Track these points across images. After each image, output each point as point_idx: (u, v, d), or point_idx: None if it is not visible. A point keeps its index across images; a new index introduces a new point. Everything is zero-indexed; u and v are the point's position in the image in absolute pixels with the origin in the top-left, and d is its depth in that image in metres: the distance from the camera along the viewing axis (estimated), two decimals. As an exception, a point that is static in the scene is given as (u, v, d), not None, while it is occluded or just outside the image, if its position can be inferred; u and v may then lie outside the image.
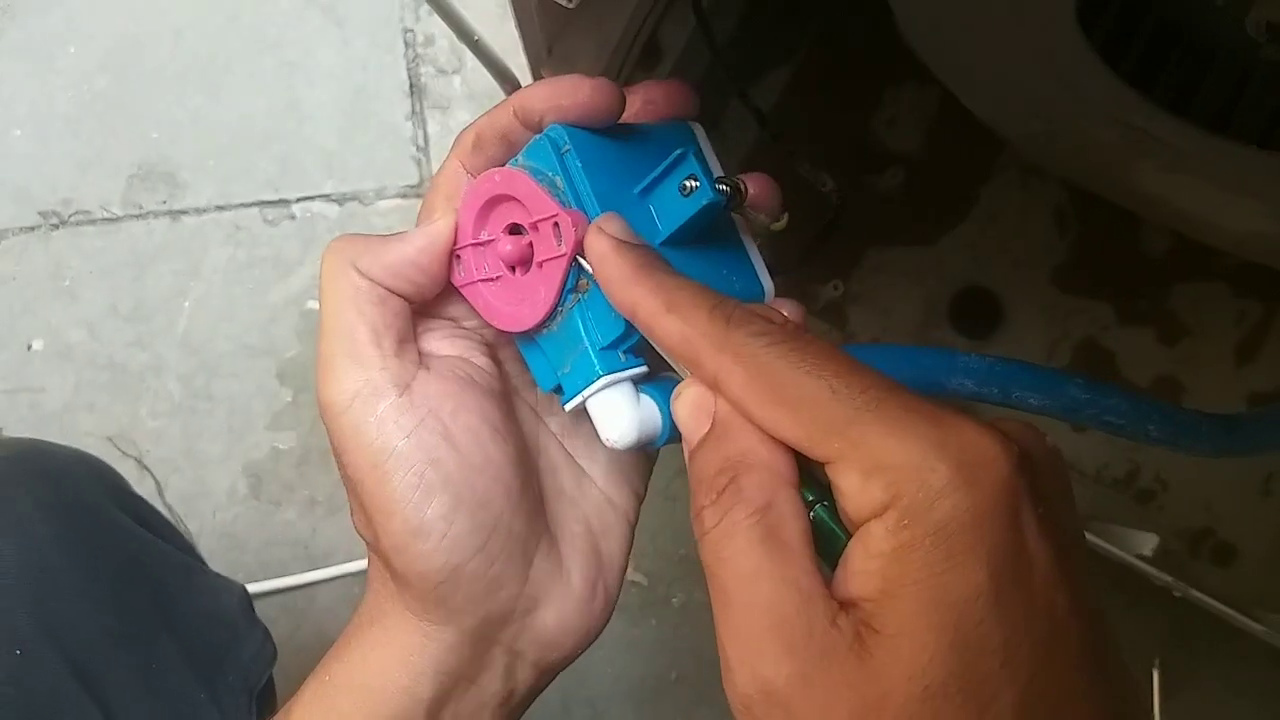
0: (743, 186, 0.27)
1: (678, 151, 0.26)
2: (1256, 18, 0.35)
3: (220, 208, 0.86)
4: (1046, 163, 0.54)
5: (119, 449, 0.85)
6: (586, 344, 0.26)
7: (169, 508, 0.85)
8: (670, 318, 0.22)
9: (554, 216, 0.25)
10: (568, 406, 0.27)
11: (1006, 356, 0.29)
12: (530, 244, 0.27)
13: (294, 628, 0.83)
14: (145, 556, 0.46)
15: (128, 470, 0.85)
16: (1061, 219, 0.65)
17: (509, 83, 0.37)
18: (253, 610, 0.50)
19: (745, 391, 0.21)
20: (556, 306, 0.26)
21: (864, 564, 0.19)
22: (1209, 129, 0.37)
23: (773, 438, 0.21)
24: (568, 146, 0.26)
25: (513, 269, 0.27)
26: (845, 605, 0.19)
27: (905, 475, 0.19)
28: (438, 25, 0.86)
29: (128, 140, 0.86)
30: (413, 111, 0.86)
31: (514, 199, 0.27)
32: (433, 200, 0.30)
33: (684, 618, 0.84)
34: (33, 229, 0.86)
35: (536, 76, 0.39)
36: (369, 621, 0.28)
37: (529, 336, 0.28)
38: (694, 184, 0.26)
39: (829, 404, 0.20)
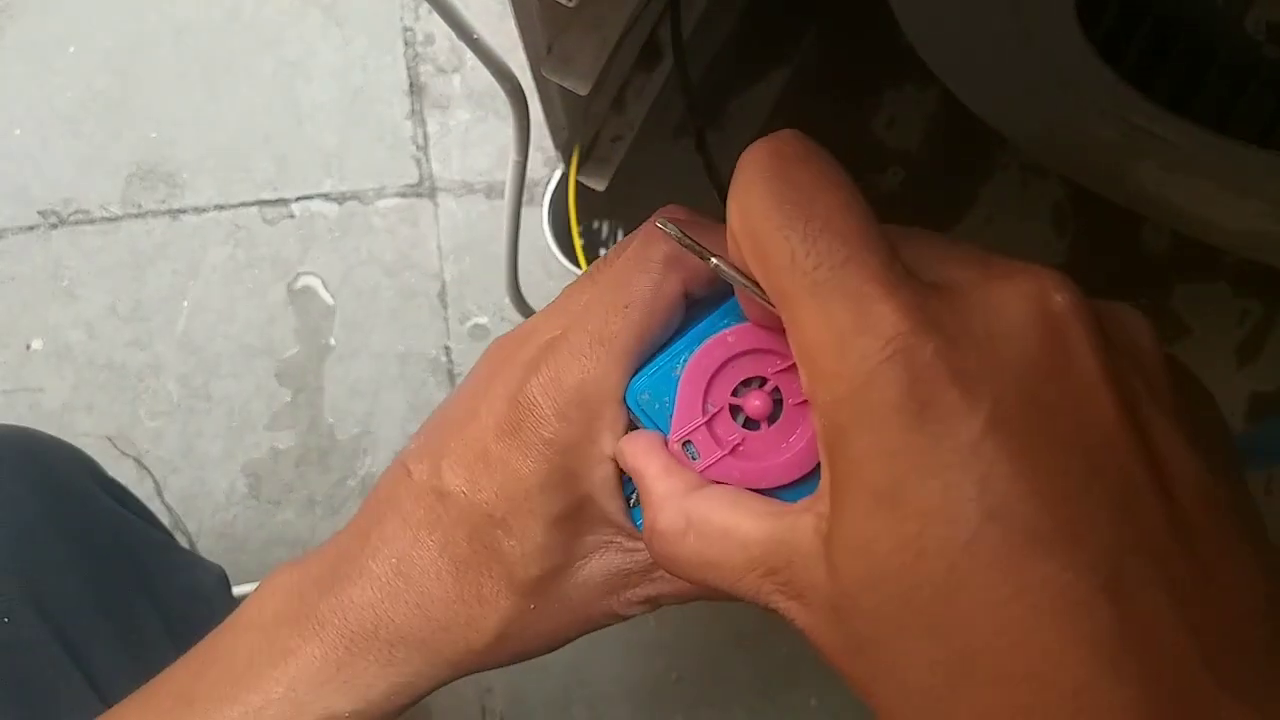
0: None
1: None
2: (1256, 17, 0.35)
3: (219, 207, 0.86)
4: (1047, 161, 0.54)
5: (118, 449, 0.85)
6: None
7: (168, 508, 0.85)
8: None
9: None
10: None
11: None
12: (772, 391, 0.25)
13: (293, 628, 0.83)
14: (127, 535, 0.47)
15: (126, 470, 0.85)
16: (1061, 218, 0.65)
17: (508, 81, 0.37)
18: (230, 591, 0.51)
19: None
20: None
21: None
22: (1209, 128, 0.37)
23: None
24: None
25: (755, 424, 0.25)
26: None
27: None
28: (437, 24, 0.86)
29: (127, 140, 0.86)
30: (412, 110, 0.86)
31: (747, 353, 0.24)
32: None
33: (684, 617, 0.84)
34: (31, 228, 0.86)
35: (536, 76, 0.39)
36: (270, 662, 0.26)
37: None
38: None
39: (785, 270, 0.19)
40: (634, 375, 0.25)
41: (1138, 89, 0.36)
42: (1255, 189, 0.40)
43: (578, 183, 0.48)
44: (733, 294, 0.24)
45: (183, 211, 0.86)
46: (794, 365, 0.21)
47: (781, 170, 0.20)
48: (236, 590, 0.82)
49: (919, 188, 0.64)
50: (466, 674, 0.28)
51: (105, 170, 0.86)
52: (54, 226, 0.86)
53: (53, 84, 0.87)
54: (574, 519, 0.26)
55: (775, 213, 0.19)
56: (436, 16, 0.31)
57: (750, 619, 0.85)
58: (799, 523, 0.20)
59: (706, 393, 0.25)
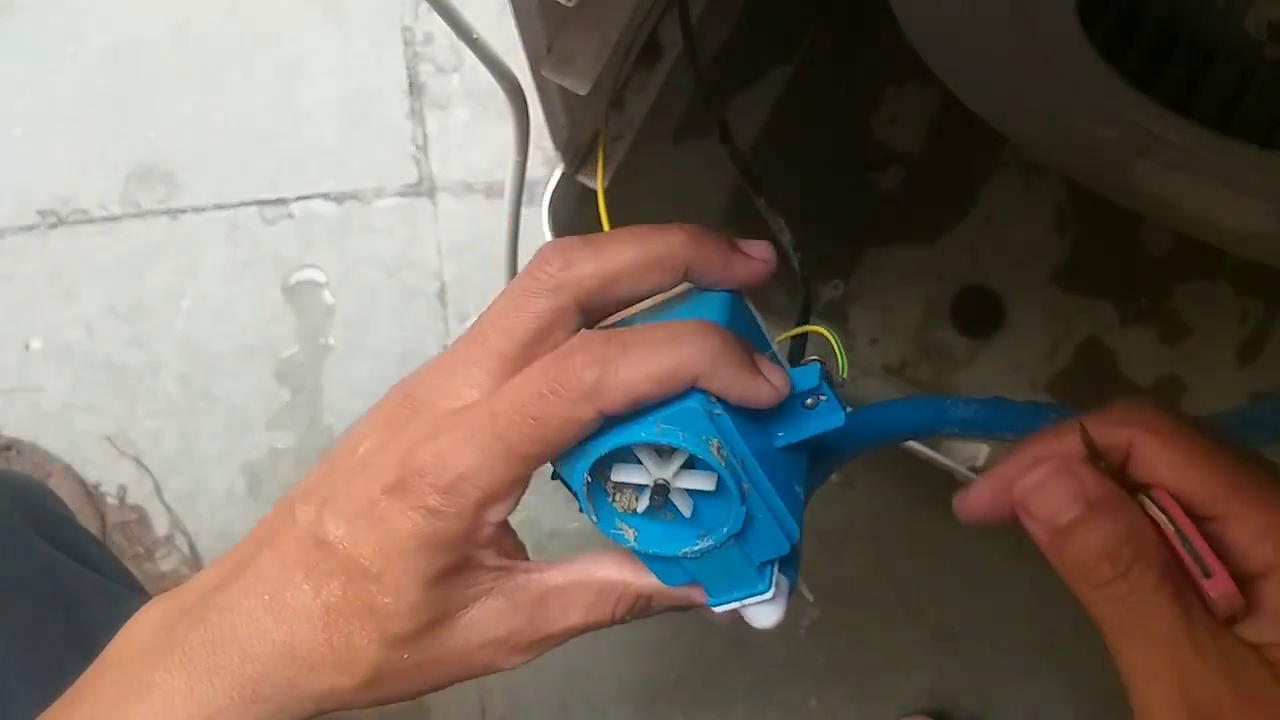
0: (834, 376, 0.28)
1: (812, 368, 0.26)
2: (1257, 16, 0.35)
3: (219, 206, 0.86)
4: (1047, 161, 0.54)
5: (117, 448, 0.85)
6: (751, 567, 0.27)
7: (167, 507, 0.85)
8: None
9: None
10: (720, 610, 0.28)
11: (994, 397, 0.30)
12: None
13: (293, 628, 0.83)
14: (65, 587, 0.45)
15: (126, 469, 0.85)
16: (1062, 218, 0.65)
17: (508, 81, 0.37)
18: None
19: (1159, 456, 0.24)
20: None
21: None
22: (1210, 128, 0.37)
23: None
24: (718, 409, 0.24)
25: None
26: (1258, 646, 0.23)
27: None
28: (437, 23, 0.86)
29: (126, 139, 0.86)
30: (412, 110, 0.86)
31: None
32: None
33: (684, 618, 0.84)
34: (31, 228, 0.86)
35: (536, 75, 0.39)
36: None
37: (677, 558, 0.27)
38: (821, 399, 0.26)
39: (1226, 469, 0.23)
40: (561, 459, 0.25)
41: (1139, 89, 0.36)
42: (1257, 189, 0.40)
43: (577, 183, 0.48)
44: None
45: (182, 211, 0.86)
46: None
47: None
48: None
49: (919, 187, 0.64)
50: (332, 711, 0.27)
51: (104, 169, 0.86)
52: (53, 226, 0.86)
53: (52, 83, 0.87)
54: (452, 576, 0.26)
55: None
56: (436, 16, 0.31)
57: (750, 619, 0.85)
58: None
59: None
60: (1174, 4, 0.38)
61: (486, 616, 0.26)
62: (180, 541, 0.85)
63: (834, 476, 0.87)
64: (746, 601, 0.28)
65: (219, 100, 0.86)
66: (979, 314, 0.64)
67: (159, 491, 0.85)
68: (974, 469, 0.56)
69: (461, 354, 0.26)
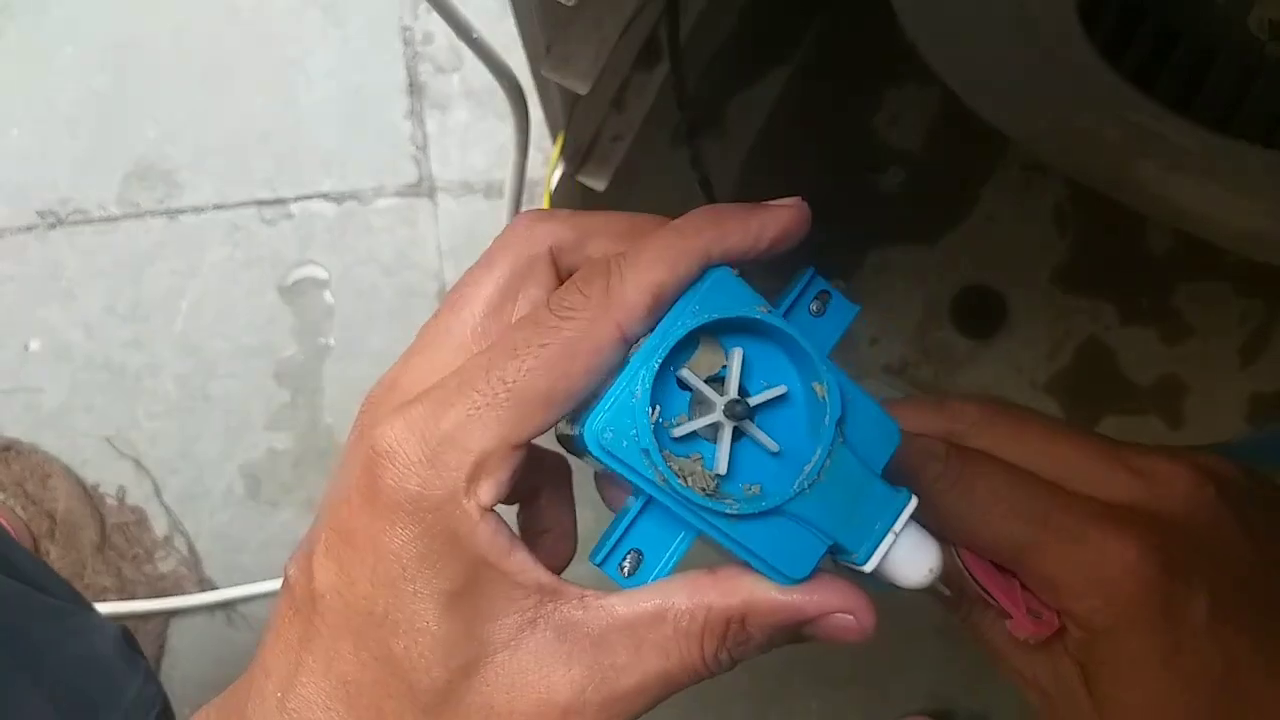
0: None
1: (805, 275, 0.23)
2: (1258, 16, 0.35)
3: (218, 207, 0.86)
4: (1048, 160, 0.53)
5: (116, 449, 0.85)
6: (875, 478, 0.22)
7: (166, 509, 0.85)
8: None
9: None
10: (873, 561, 0.22)
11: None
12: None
13: (292, 629, 0.83)
14: (10, 608, 0.44)
15: (125, 470, 0.85)
16: (1062, 218, 0.65)
17: (508, 81, 0.37)
18: (132, 650, 0.47)
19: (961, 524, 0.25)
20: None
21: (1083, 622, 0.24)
22: (1211, 127, 0.37)
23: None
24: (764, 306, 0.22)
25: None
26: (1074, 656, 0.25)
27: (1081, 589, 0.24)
28: (436, 23, 0.86)
29: (125, 139, 0.86)
30: (411, 110, 0.86)
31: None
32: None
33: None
34: (30, 228, 0.86)
35: (536, 75, 0.39)
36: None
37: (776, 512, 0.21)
38: (828, 298, 0.23)
39: (1039, 499, 0.25)
40: (577, 415, 0.21)
41: (1140, 88, 0.36)
42: (1258, 188, 0.40)
43: (577, 182, 0.48)
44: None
45: (181, 211, 0.86)
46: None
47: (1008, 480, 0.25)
48: (232, 592, 0.82)
49: (920, 187, 0.64)
50: None
51: (103, 170, 0.86)
52: (52, 226, 0.86)
53: (51, 84, 0.87)
54: (472, 596, 0.20)
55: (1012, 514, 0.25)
56: (436, 16, 0.31)
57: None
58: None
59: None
60: (1175, 3, 0.38)
61: (534, 659, 0.20)
62: (179, 542, 0.85)
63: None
64: (898, 528, 0.22)
65: (218, 101, 0.86)
66: (979, 314, 0.64)
67: (158, 492, 0.85)
68: None
69: (435, 326, 0.23)
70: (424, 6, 0.86)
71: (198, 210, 0.86)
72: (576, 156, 0.48)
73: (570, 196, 0.51)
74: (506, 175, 0.43)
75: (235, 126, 0.86)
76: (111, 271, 0.85)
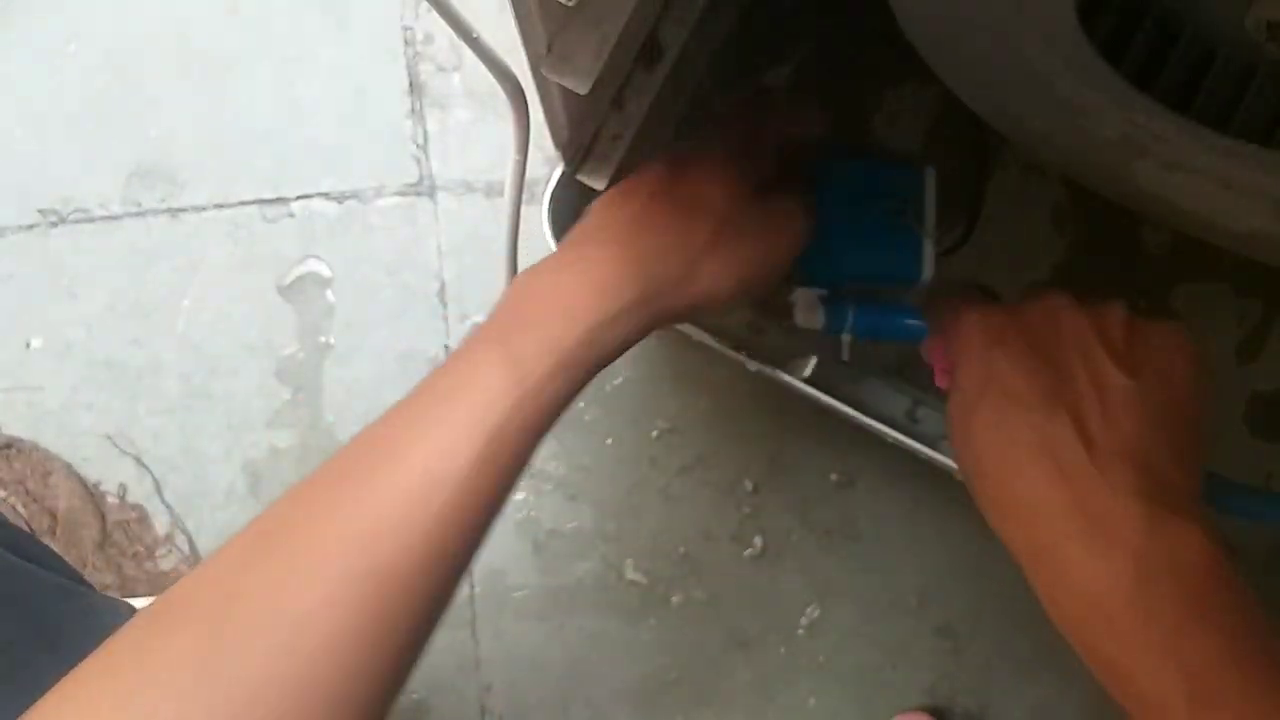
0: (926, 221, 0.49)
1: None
2: (1256, 16, 0.35)
3: (219, 206, 0.86)
4: (1047, 160, 0.54)
5: (117, 447, 0.85)
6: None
7: (167, 506, 0.85)
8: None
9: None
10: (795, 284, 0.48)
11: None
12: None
13: (293, 627, 0.83)
14: (20, 587, 0.45)
15: (126, 468, 0.85)
16: (1061, 218, 0.65)
17: (508, 80, 0.37)
18: None
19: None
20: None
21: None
22: (1210, 127, 0.37)
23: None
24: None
25: None
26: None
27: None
28: (437, 23, 0.86)
29: (127, 138, 0.86)
30: (412, 109, 0.86)
31: None
32: None
33: (683, 617, 0.84)
34: (31, 227, 0.86)
35: (536, 75, 0.39)
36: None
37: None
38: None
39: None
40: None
41: (1138, 88, 0.36)
42: (1256, 188, 0.40)
43: (577, 182, 0.48)
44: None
45: (182, 210, 0.86)
46: None
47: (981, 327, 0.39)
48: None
49: (919, 187, 0.64)
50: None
51: (105, 169, 0.86)
52: (54, 225, 0.86)
53: (53, 82, 0.87)
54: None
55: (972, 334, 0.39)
56: (436, 15, 0.31)
57: (749, 619, 0.85)
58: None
59: None
60: (1174, 4, 0.38)
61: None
62: (180, 540, 0.85)
63: (833, 477, 0.86)
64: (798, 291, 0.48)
65: (220, 100, 0.86)
66: (979, 313, 0.64)
67: (159, 490, 0.85)
68: None
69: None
70: (424, 7, 0.87)
71: (199, 209, 0.86)
72: (576, 156, 0.48)
73: (570, 196, 0.51)
74: (507, 174, 0.43)
75: (237, 126, 0.86)
76: (113, 270, 0.86)
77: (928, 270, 0.47)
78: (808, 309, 0.46)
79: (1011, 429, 0.35)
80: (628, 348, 0.37)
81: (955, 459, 0.39)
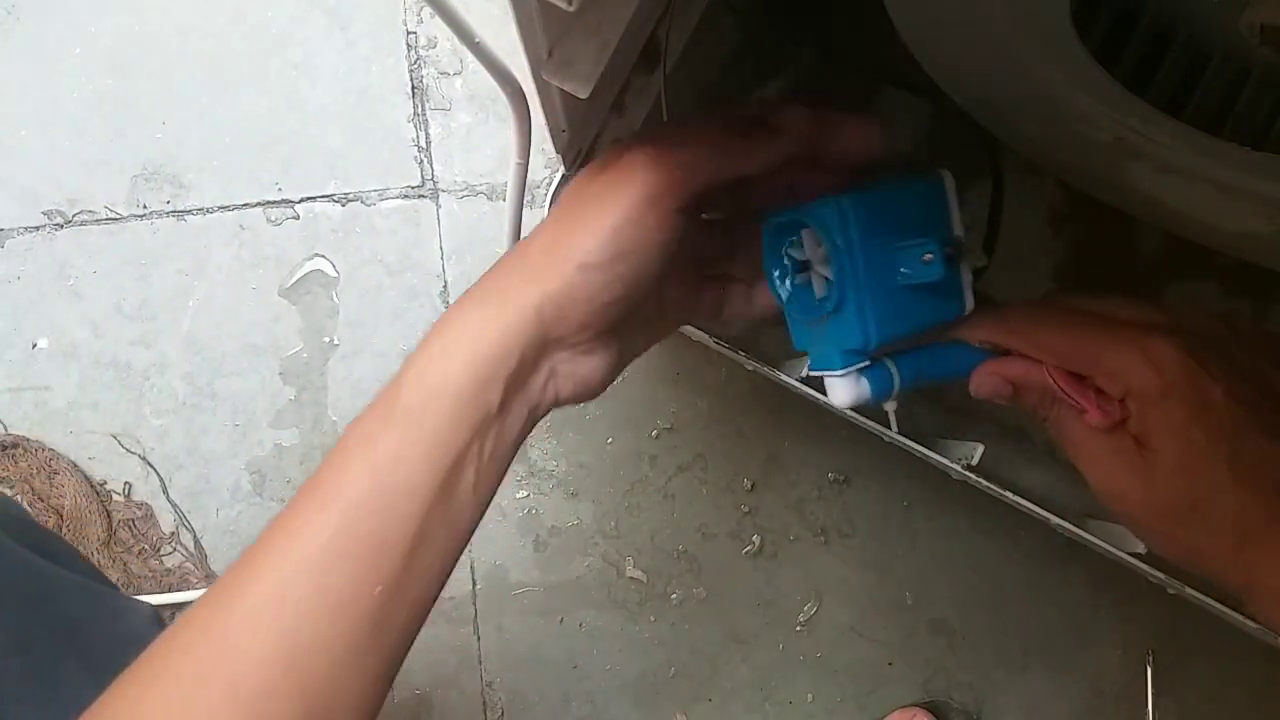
0: (965, 247, 0.41)
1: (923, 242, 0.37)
2: (1250, 20, 0.36)
3: (224, 208, 0.87)
4: (1041, 163, 0.54)
5: (123, 446, 0.86)
6: (836, 349, 0.39)
7: (173, 505, 0.86)
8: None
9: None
10: (811, 372, 0.42)
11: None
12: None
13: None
14: (46, 587, 0.45)
15: (132, 467, 0.85)
16: (1056, 219, 0.66)
17: (510, 84, 0.37)
18: (163, 627, 0.48)
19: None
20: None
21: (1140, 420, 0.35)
22: (1203, 130, 0.37)
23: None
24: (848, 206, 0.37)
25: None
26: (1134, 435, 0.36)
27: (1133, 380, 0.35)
28: (439, 28, 0.87)
29: (132, 140, 0.87)
30: (415, 113, 0.87)
31: None
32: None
33: (682, 614, 0.84)
34: (38, 228, 0.87)
35: (537, 79, 0.39)
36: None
37: (803, 321, 0.40)
38: (929, 258, 0.37)
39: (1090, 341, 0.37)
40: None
41: (1133, 92, 0.37)
42: (1249, 191, 0.40)
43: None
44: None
45: (188, 212, 0.87)
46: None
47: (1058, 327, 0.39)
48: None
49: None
50: None
51: (111, 171, 0.87)
52: (60, 226, 0.87)
53: (58, 85, 0.87)
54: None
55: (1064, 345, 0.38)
56: (439, 20, 0.32)
57: (747, 615, 0.85)
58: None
59: None
60: (1167, 7, 0.38)
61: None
62: (185, 538, 0.86)
63: (830, 475, 0.87)
64: (825, 374, 0.39)
65: (225, 103, 0.87)
66: (976, 314, 0.65)
67: (165, 488, 0.85)
68: (969, 467, 0.57)
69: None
70: (427, 11, 0.87)
71: (204, 211, 0.87)
72: (577, 159, 0.49)
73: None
74: (509, 177, 0.44)
75: (241, 128, 0.87)
76: (119, 271, 0.86)
77: (970, 301, 0.41)
78: (847, 391, 0.39)
79: None
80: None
81: (1182, 515, 0.34)
